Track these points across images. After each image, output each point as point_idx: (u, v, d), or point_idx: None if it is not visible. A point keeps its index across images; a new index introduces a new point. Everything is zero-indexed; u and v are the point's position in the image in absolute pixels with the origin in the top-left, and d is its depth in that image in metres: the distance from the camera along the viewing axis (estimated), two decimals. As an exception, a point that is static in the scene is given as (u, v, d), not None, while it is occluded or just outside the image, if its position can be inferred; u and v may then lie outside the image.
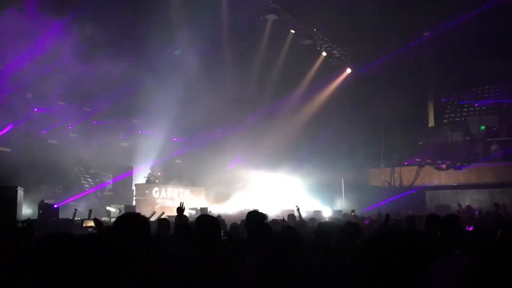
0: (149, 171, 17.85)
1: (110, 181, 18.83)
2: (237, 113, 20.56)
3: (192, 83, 17.72)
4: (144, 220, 2.92)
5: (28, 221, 7.90)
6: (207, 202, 17.64)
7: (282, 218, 8.82)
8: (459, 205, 14.43)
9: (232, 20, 18.77)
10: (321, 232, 4.02)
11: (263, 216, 4.74)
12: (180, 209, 5.47)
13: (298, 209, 9.63)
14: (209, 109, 18.81)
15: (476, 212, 15.32)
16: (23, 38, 14.28)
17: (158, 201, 16.80)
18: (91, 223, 8.94)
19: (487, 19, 18.41)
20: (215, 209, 15.79)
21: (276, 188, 19.35)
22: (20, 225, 8.76)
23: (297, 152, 21.10)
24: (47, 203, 12.58)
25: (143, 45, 16.58)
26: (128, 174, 18.27)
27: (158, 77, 17.07)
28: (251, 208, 8.95)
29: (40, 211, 12.04)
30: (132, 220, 2.88)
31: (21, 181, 12.05)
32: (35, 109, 17.12)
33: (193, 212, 14.72)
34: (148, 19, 15.99)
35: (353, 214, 13.49)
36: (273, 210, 15.14)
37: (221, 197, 18.80)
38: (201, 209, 15.00)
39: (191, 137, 20.61)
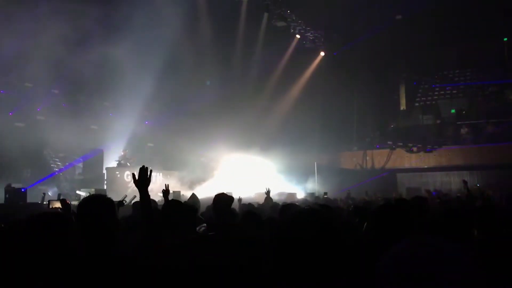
0: (121, 154, 17.59)
1: (79, 160, 18.47)
2: (211, 95, 20.34)
3: (166, 64, 17.41)
4: (110, 202, 2.83)
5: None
6: (179, 186, 17.49)
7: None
8: (427, 190, 14.61)
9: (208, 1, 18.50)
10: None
11: (230, 199, 4.69)
12: (166, 191, 5.22)
13: (268, 192, 9.61)
14: (182, 92, 18.55)
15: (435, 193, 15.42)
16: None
17: (129, 184, 16.57)
18: (58, 204, 8.70)
19: (458, 2, 18.59)
20: (188, 193, 15.67)
21: (249, 171, 19.33)
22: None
23: (270, 135, 21.05)
24: (14, 187, 12.28)
25: (116, 21, 16.01)
26: (96, 156, 18.01)
27: (130, 57, 16.68)
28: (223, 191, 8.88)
29: (7, 195, 11.74)
30: (96, 202, 2.78)
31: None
32: (1, 91, 16.61)
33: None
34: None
35: (325, 196, 13.57)
36: (247, 193, 15.11)
37: (194, 181, 18.67)
38: (174, 192, 14.86)
39: (163, 120, 20.33)
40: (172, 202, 3.75)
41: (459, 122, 22.28)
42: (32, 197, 12.90)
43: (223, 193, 4.72)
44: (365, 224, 3.36)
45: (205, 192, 16.37)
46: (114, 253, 2.61)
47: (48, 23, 14.62)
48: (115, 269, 2.47)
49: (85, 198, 2.85)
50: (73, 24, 14.76)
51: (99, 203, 2.75)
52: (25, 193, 12.12)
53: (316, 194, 16.01)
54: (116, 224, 2.79)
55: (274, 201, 9.36)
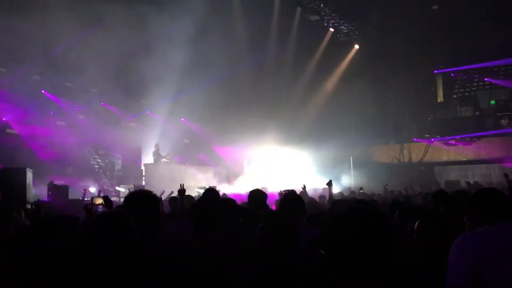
0: (155, 150, 17.88)
1: (118, 156, 18.91)
2: (246, 90, 20.39)
3: (200, 61, 17.60)
4: (154, 197, 2.99)
5: (36, 203, 7.96)
6: (215, 181, 17.68)
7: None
8: (467, 182, 14.31)
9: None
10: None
11: (264, 195, 4.76)
12: (182, 191, 5.47)
13: (304, 188, 9.59)
14: (217, 89, 18.69)
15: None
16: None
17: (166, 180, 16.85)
18: (100, 201, 8.96)
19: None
20: (224, 189, 15.84)
21: (284, 165, 19.33)
22: (29, 206, 8.87)
23: (305, 128, 20.99)
24: (56, 185, 12.66)
25: (152, 20, 16.20)
26: (135, 152, 18.38)
27: (165, 55, 16.92)
28: (259, 187, 8.92)
29: (50, 193, 12.13)
30: (142, 197, 2.94)
31: (31, 163, 12.14)
32: (42, 91, 17.16)
33: (202, 191, 14.76)
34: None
35: (361, 191, 13.44)
36: (283, 188, 15.10)
37: (230, 176, 18.83)
38: (210, 188, 15.03)
39: (198, 118, 20.54)
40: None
41: (499, 114, 21.67)
42: (73, 194, 13.29)
43: (257, 189, 4.79)
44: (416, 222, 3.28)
45: (240, 187, 16.56)
46: (156, 246, 2.75)
47: (83, 23, 15.00)
48: (161, 250, 2.62)
49: (132, 193, 3.04)
50: (108, 24, 15.08)
51: (145, 197, 2.95)
52: (67, 190, 12.50)
53: (352, 189, 15.88)
54: (159, 218, 2.97)
55: (310, 196, 9.35)
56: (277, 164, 19.40)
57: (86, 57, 15.39)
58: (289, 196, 4.25)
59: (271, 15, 20.33)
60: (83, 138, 17.10)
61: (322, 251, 1.72)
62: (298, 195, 4.43)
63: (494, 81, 22.85)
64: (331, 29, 22.08)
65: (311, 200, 7.97)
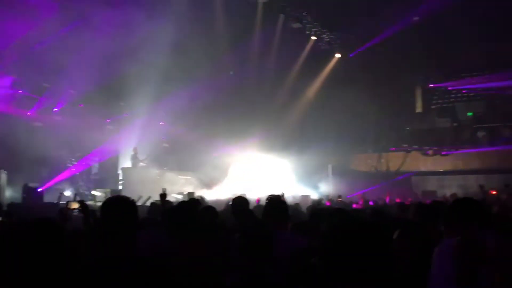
0: (133, 153, 17.66)
1: (95, 160, 18.63)
2: (227, 96, 20.33)
3: (181, 66, 17.44)
4: (132, 203, 2.90)
5: (9, 206, 7.76)
6: (194, 187, 17.54)
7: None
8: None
9: (224, 3, 18.50)
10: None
11: (247, 201, 4.75)
12: (164, 195, 5.44)
13: (283, 195, 9.56)
14: (198, 94, 18.57)
15: None
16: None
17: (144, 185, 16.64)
18: (76, 205, 8.77)
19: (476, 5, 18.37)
20: (203, 195, 15.70)
21: (264, 172, 19.29)
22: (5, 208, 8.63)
23: (285, 136, 21.01)
24: (31, 187, 12.41)
25: (134, 25, 16.06)
26: (112, 156, 18.14)
27: (146, 58, 16.74)
28: (238, 193, 8.88)
29: (24, 195, 11.86)
30: (119, 204, 2.85)
31: (5, 164, 11.86)
32: (19, 91, 16.81)
33: (180, 196, 14.62)
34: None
35: (340, 199, 13.49)
36: (262, 195, 15.06)
37: (209, 182, 18.70)
38: (188, 193, 14.91)
39: (178, 121, 20.38)
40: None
41: (476, 126, 22.04)
42: (48, 197, 13.04)
43: (241, 196, 4.78)
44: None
45: (219, 193, 16.44)
46: (134, 254, 2.67)
47: (62, 22, 14.75)
48: (136, 268, 2.53)
49: (110, 199, 2.94)
50: (88, 24, 14.87)
51: (122, 204, 2.85)
52: (42, 193, 12.25)
53: (330, 197, 15.93)
54: (137, 225, 2.88)
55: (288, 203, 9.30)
56: (257, 171, 19.35)
57: (64, 57, 15.11)
58: (273, 201, 4.21)
59: (254, 21, 20.33)
60: (59, 140, 16.77)
61: (314, 260, 1.74)
62: (283, 200, 4.42)
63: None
64: (313, 37, 22.20)
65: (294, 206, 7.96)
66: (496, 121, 21.43)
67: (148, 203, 8.87)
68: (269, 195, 4.52)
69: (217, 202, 10.06)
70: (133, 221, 2.80)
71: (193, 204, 4.76)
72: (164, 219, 4.18)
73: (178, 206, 4.05)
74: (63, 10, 14.37)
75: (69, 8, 14.38)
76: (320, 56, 23.07)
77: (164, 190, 5.49)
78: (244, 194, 10.38)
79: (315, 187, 20.00)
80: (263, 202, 8.87)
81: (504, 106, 22.31)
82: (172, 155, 20.08)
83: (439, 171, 21.26)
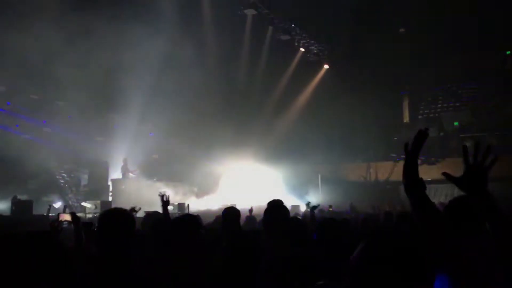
0: (123, 165, 17.63)
1: (84, 172, 18.56)
2: (216, 107, 20.39)
3: (171, 78, 17.50)
4: (130, 217, 2.89)
5: None
6: (185, 198, 17.52)
7: None
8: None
9: (214, 15, 18.64)
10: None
11: (237, 213, 4.76)
12: (166, 202, 5.02)
13: (331, 207, 9.63)
14: (189, 105, 18.61)
15: None
16: None
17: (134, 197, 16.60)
18: (67, 217, 8.75)
19: (461, 16, 18.72)
20: (193, 205, 15.72)
21: (253, 183, 19.34)
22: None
23: (274, 146, 21.10)
24: (20, 199, 12.33)
25: (121, 36, 16.10)
26: (101, 168, 18.07)
27: (135, 70, 16.78)
28: (229, 203, 8.94)
29: (13, 207, 11.79)
30: (118, 217, 2.83)
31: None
32: (7, 103, 16.76)
33: (171, 207, 14.59)
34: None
35: (330, 209, 13.56)
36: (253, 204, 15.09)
37: (199, 192, 18.71)
38: (179, 204, 14.92)
39: (168, 133, 20.38)
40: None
41: (462, 135, 22.30)
42: (38, 209, 12.95)
43: (232, 207, 4.83)
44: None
45: (210, 203, 16.47)
46: (129, 268, 2.67)
47: (51, 34, 14.72)
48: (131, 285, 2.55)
49: (107, 211, 2.92)
50: (74, 36, 14.86)
51: (120, 217, 2.83)
52: (31, 205, 12.17)
53: (320, 207, 15.98)
54: (133, 240, 2.86)
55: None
56: (247, 181, 19.40)
57: (53, 69, 15.10)
58: (274, 205, 4.11)
59: (243, 33, 20.50)
60: (48, 152, 16.72)
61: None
62: (284, 205, 4.25)
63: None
64: (302, 49, 22.41)
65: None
66: (482, 130, 21.70)
67: (137, 215, 8.84)
68: (271, 201, 4.44)
69: (208, 212, 10.10)
70: (130, 234, 2.80)
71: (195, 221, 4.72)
72: (164, 232, 4.07)
73: (181, 220, 3.88)
74: (52, 23, 14.33)
75: (59, 21, 14.33)
76: (308, 67, 23.28)
77: (168, 196, 5.01)
78: (234, 205, 10.45)
79: (304, 197, 20.06)
80: (256, 211, 8.95)
81: (489, 116, 22.62)
82: (162, 166, 20.06)
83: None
